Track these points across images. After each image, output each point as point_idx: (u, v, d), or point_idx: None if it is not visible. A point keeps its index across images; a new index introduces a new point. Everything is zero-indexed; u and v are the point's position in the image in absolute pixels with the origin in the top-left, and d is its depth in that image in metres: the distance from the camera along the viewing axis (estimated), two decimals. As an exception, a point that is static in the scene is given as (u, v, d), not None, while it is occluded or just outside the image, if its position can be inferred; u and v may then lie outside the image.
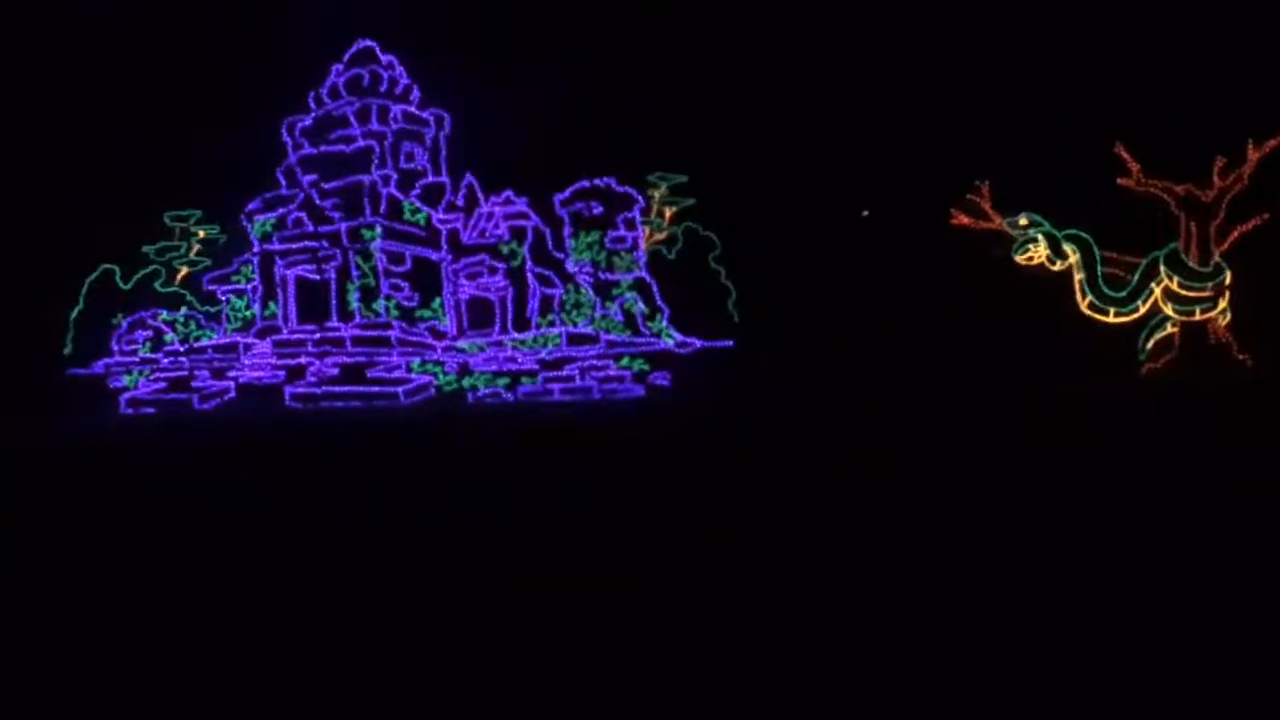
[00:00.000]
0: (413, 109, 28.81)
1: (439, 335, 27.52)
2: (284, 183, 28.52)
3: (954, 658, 4.46)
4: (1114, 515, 7.57)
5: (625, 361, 26.40)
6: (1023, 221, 26.12)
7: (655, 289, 27.33)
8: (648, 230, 28.07)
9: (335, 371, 26.36)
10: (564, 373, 26.28)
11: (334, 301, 27.35)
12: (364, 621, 5.36)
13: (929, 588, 5.64)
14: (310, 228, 27.50)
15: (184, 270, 29.60)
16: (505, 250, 27.62)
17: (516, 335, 27.25)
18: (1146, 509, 7.81)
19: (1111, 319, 26.18)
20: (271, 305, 27.97)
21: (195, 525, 8.71)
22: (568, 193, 27.69)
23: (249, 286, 28.52)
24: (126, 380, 27.66)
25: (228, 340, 27.87)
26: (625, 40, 29.05)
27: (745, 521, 7.90)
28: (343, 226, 27.16)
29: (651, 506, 8.85)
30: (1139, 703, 3.93)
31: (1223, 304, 25.74)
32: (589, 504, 9.13)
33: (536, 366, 26.38)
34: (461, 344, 27.37)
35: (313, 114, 28.70)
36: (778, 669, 4.40)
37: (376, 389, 25.86)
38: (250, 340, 27.62)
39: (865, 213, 28.33)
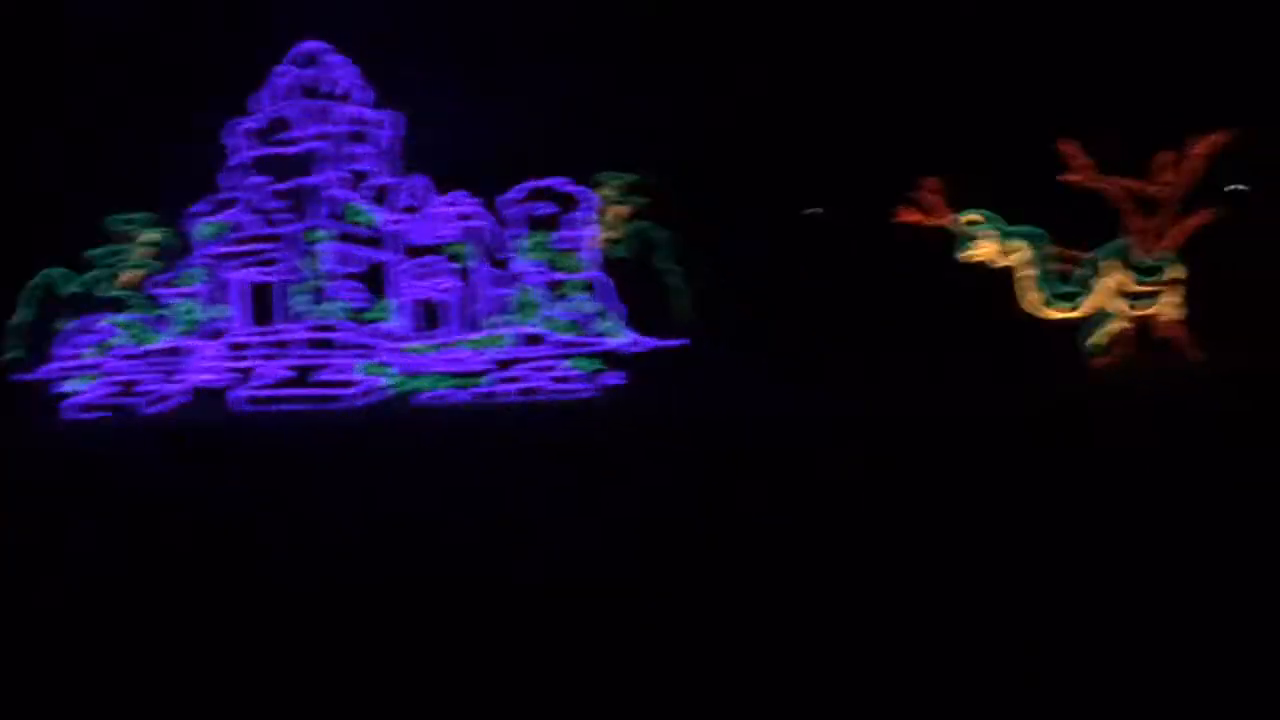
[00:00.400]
0: (361, 110, 28.61)
1: (389, 336, 27.32)
2: (231, 185, 28.29)
3: (927, 660, 4.37)
4: (1073, 511, 7.51)
5: (576, 361, 26.32)
6: (970, 218, 26.19)
7: (606, 288, 27.24)
8: (598, 230, 27.95)
9: (284, 374, 26.17)
10: (514, 373, 26.18)
11: (282, 304, 27.13)
12: (326, 625, 5.25)
13: (890, 585, 5.56)
14: (258, 230, 27.28)
15: (130, 274, 29.26)
16: (455, 251, 27.49)
17: (467, 336, 27.11)
18: (1104, 504, 7.77)
19: (1059, 314, 26.28)
20: (218, 308, 27.72)
21: (148, 529, 8.58)
22: (518, 193, 27.56)
23: (196, 290, 28.23)
24: (72, 385, 27.34)
25: (175, 344, 27.59)
26: (575, 40, 28.97)
27: (703, 520, 7.83)
28: (291, 229, 26.96)
29: (608, 507, 8.76)
30: (1114, 706, 3.86)
31: (1171, 298, 25.88)
32: (546, 504, 9.06)
33: (487, 367, 26.26)
34: (411, 345, 27.19)
35: (259, 115, 28.45)
36: (749, 672, 4.30)
37: (326, 391, 25.71)
38: (197, 343, 27.37)
39: (816, 210, 28.35)
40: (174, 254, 29.01)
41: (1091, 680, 4.05)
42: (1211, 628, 4.60)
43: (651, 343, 26.57)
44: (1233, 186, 26.07)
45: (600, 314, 26.96)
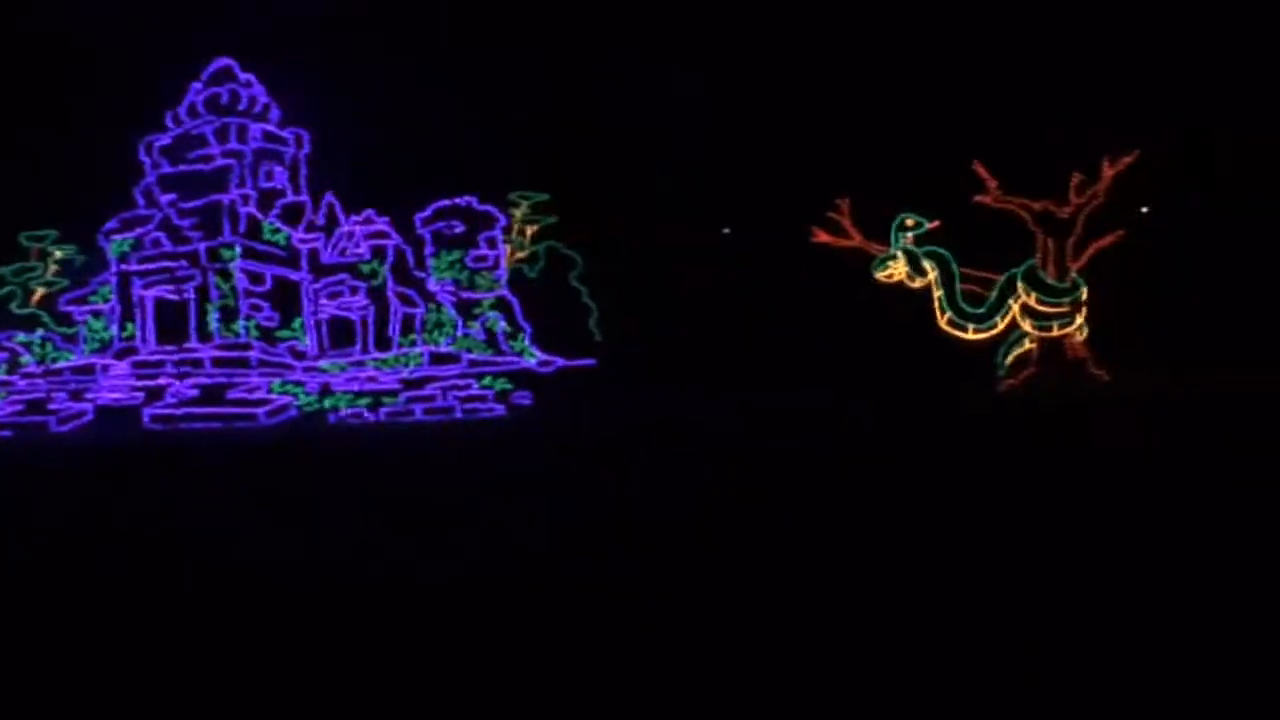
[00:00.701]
0: (272, 128, 28.54)
1: (300, 355, 27.28)
2: (142, 202, 28.22)
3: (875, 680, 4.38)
4: (981, 535, 7.56)
5: (487, 381, 26.27)
6: (909, 221, 26.15)
7: (517, 308, 27.24)
8: (509, 249, 27.95)
9: (195, 392, 26.05)
10: (426, 392, 26.10)
11: (193, 322, 27.05)
12: (237, 645, 5.23)
13: (794, 603, 5.58)
14: (169, 247, 27.18)
15: (40, 291, 29.14)
16: (366, 270, 27.43)
17: (378, 355, 27.06)
18: (1006, 525, 7.84)
19: (970, 335, 26.31)
20: (130, 326, 27.63)
21: (57, 549, 8.57)
22: (429, 211, 27.55)
23: (107, 307, 28.14)
24: (-18, 403, 27.20)
25: (85, 361, 27.50)
26: (485, 59, 28.91)
27: (613, 538, 7.88)
28: (201, 246, 26.87)
29: (517, 526, 8.79)
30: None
31: (1080, 319, 25.94)
32: (455, 522, 9.09)
33: (398, 386, 26.18)
34: (322, 364, 27.15)
35: (171, 132, 28.35)
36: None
37: (237, 410, 25.59)
38: (108, 361, 27.26)
39: (726, 230, 28.35)
40: (85, 271, 28.90)
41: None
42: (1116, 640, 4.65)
43: (561, 362, 26.57)
44: (1141, 209, 26.10)
45: (510, 333, 26.95)
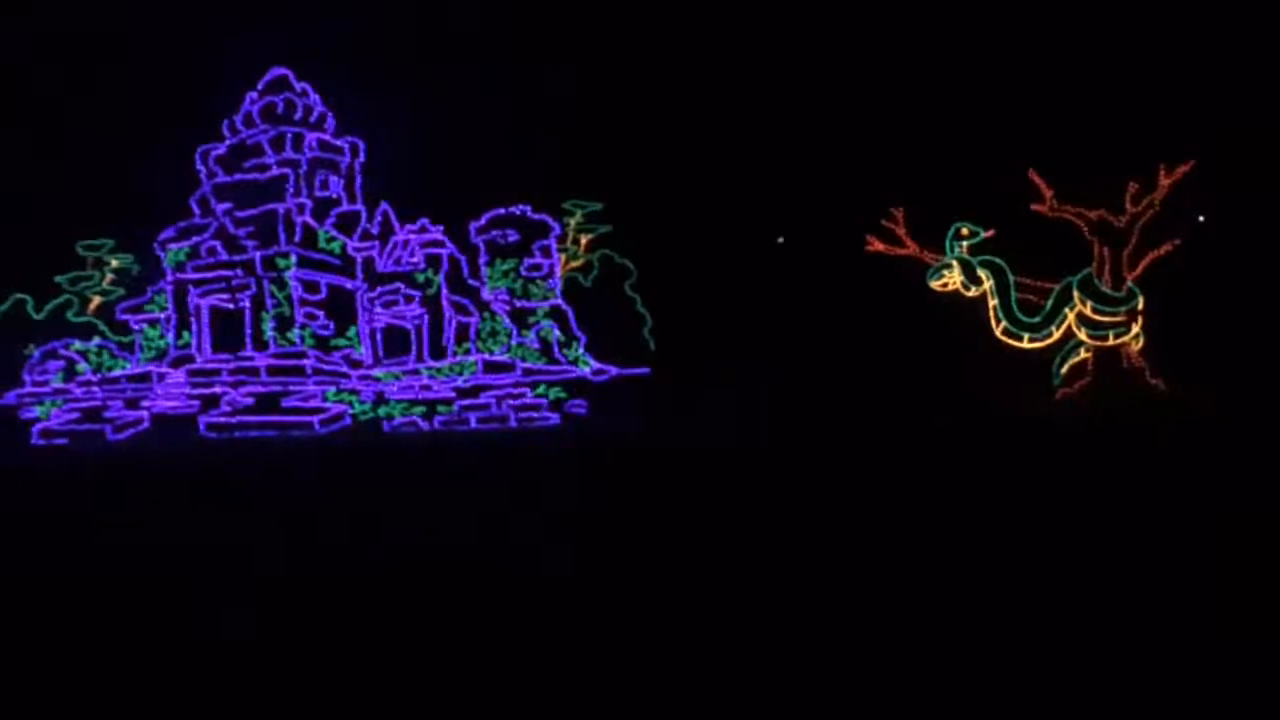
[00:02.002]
0: (327, 137, 28.66)
1: (355, 364, 27.35)
2: (198, 211, 28.37)
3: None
4: (1037, 542, 7.54)
5: (541, 389, 26.31)
6: (964, 231, 26.14)
7: (571, 316, 27.27)
8: (563, 258, 28.00)
9: (250, 401, 26.15)
10: (480, 400, 26.17)
11: (249, 330, 27.16)
12: (291, 655, 5.26)
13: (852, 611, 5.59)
14: (224, 256, 27.31)
15: (97, 300, 29.33)
16: (420, 278, 27.49)
17: (432, 363, 27.11)
18: (1070, 532, 7.82)
19: (1026, 344, 26.27)
20: (185, 334, 27.77)
21: (114, 557, 8.60)
22: (483, 220, 27.63)
23: (162, 316, 28.29)
24: (39, 411, 27.35)
25: (141, 370, 27.62)
26: (543, 71, 29.00)
27: (667, 547, 7.87)
28: (257, 255, 27.00)
29: (573, 534, 8.82)
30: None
31: (1136, 328, 25.87)
32: (511, 531, 9.10)
33: (452, 395, 26.24)
34: (377, 372, 27.21)
35: (227, 142, 28.52)
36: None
37: (292, 418, 25.67)
38: (164, 370, 27.38)
39: (780, 239, 28.34)
40: (141, 280, 29.07)
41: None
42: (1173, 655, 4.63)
43: (615, 371, 26.58)
44: (1198, 218, 26.02)
45: (565, 342, 26.99)
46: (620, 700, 4.29)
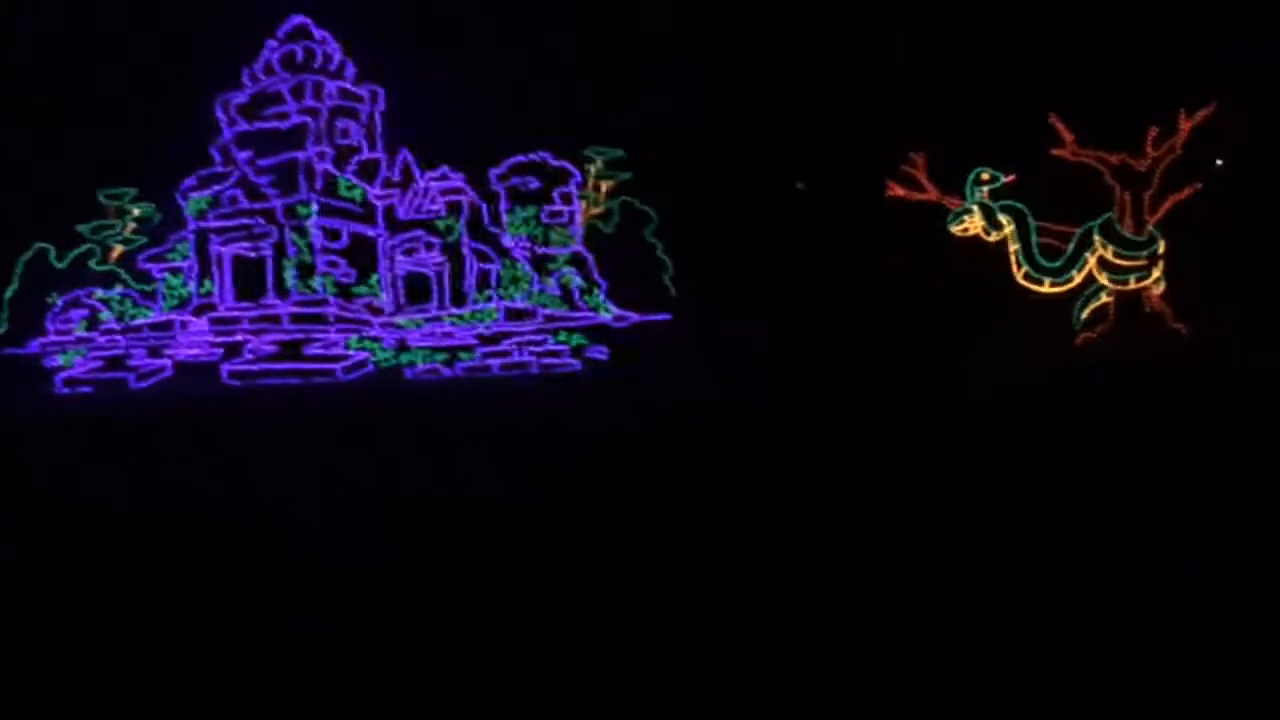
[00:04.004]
0: (348, 85, 28.66)
1: (376, 311, 27.43)
2: (219, 160, 28.39)
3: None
4: (1061, 486, 7.51)
5: (563, 336, 26.40)
6: (985, 176, 26.07)
7: (592, 263, 27.34)
8: (584, 205, 28.02)
9: (273, 349, 26.25)
10: (501, 347, 26.26)
11: (270, 278, 27.23)
12: (317, 600, 5.29)
13: (879, 567, 5.58)
14: (245, 204, 27.36)
15: (119, 248, 29.38)
16: (441, 226, 27.55)
17: (453, 310, 27.19)
18: (1093, 478, 7.77)
19: (1047, 289, 26.24)
20: (207, 283, 27.84)
21: (139, 505, 8.64)
22: (504, 167, 27.68)
23: (184, 264, 28.39)
24: (62, 359, 27.48)
25: (164, 318, 27.73)
26: (561, 14, 28.90)
27: (685, 498, 7.86)
28: (278, 203, 27.05)
29: (591, 483, 8.80)
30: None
31: (1157, 273, 25.83)
32: (531, 478, 9.12)
33: (474, 341, 26.34)
34: (399, 320, 27.29)
35: (247, 90, 28.52)
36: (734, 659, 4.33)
37: (314, 365, 25.76)
38: (186, 318, 27.48)
39: (800, 185, 28.30)
40: (163, 229, 29.14)
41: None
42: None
43: (636, 318, 26.65)
44: (1217, 162, 25.92)
45: (586, 289, 27.05)
46: (635, 653, 4.22)
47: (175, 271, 28.50)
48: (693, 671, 4.03)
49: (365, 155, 28.45)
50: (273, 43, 28.51)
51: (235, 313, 27.12)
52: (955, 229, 26.22)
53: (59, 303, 28.23)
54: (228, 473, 10.84)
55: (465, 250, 27.48)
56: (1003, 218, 26.08)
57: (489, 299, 27.26)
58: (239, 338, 26.37)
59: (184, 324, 27.29)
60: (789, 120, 27.50)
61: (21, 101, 29.14)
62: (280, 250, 27.05)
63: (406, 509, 7.95)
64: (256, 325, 26.36)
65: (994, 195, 26.11)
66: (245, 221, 27.25)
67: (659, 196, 27.52)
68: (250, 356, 26.18)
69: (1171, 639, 4.13)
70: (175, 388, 26.13)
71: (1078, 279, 26.10)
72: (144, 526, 7.63)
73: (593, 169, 28.11)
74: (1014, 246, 26.16)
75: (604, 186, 28.18)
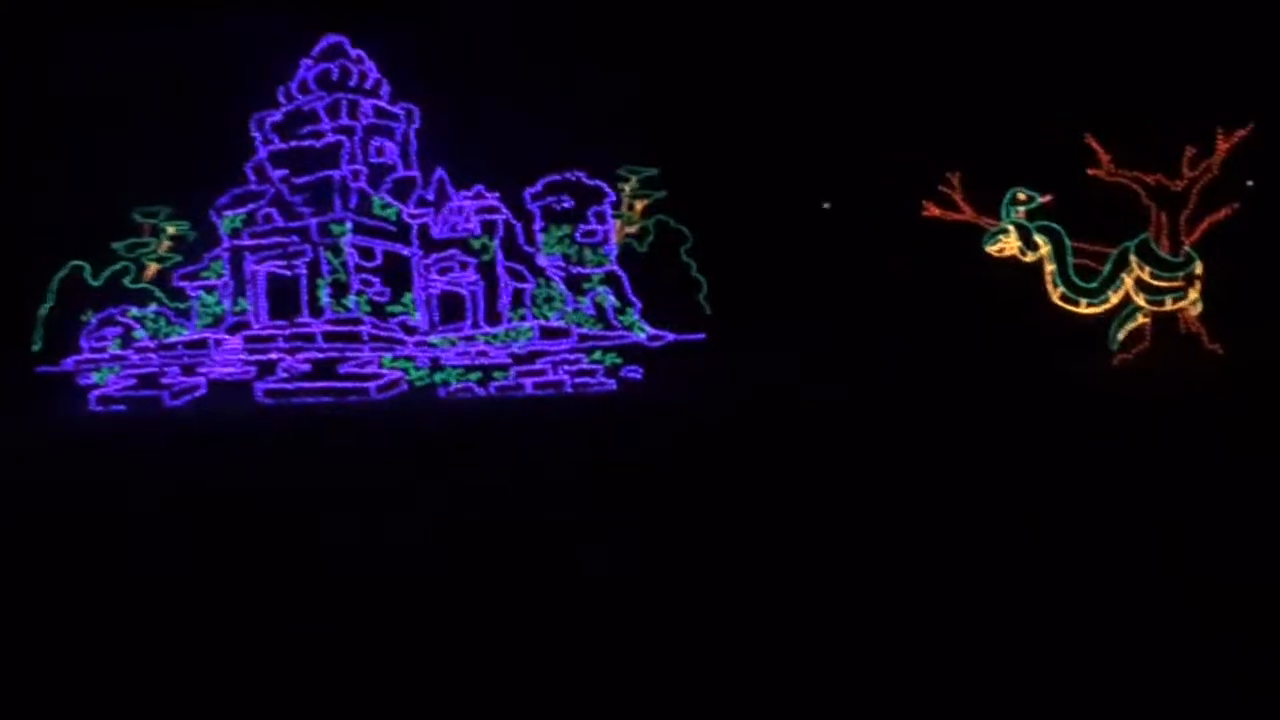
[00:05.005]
0: (382, 103, 28.73)
1: (410, 330, 27.43)
2: (253, 178, 28.43)
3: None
4: (1094, 507, 7.49)
5: (597, 355, 26.40)
6: (1021, 196, 26.06)
7: (626, 282, 27.34)
8: (618, 223, 28.06)
9: (306, 367, 26.26)
10: (535, 366, 26.27)
11: (304, 297, 27.26)
12: (346, 617, 5.28)
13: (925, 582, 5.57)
14: (280, 223, 27.43)
15: (153, 266, 29.44)
16: (476, 245, 27.57)
17: (488, 329, 27.19)
18: (1126, 501, 7.74)
19: (1083, 310, 26.19)
20: (242, 301, 27.89)
21: (172, 522, 8.63)
22: (538, 186, 27.74)
23: (219, 282, 28.44)
24: (96, 377, 27.53)
25: (198, 336, 27.76)
26: (594, 32, 28.93)
27: (721, 514, 7.83)
28: (313, 222, 27.10)
29: (626, 501, 8.78)
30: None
31: (1194, 294, 25.77)
32: (566, 498, 9.09)
33: (508, 360, 26.34)
34: (433, 339, 27.30)
35: (282, 109, 28.60)
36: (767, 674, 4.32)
37: (348, 384, 25.78)
38: (220, 336, 27.51)
39: (826, 205, 28.31)
40: (198, 247, 29.21)
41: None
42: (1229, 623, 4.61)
43: (671, 337, 26.64)
44: (1248, 182, 25.87)
45: (620, 308, 27.05)
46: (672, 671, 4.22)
47: (210, 289, 28.53)
48: (722, 688, 4.06)
49: (400, 174, 28.46)
50: (308, 61, 28.60)
51: (270, 331, 27.11)
52: (991, 249, 26.19)
53: (93, 320, 28.27)
54: (259, 490, 10.83)
55: (500, 269, 27.48)
56: (1039, 238, 26.04)
57: (523, 318, 27.24)
58: (273, 356, 26.38)
59: (218, 342, 27.30)
60: (825, 140, 27.50)
61: (58, 120, 29.24)
62: (315, 269, 27.07)
63: (437, 527, 7.95)
64: (291, 344, 26.34)
65: (1030, 215, 26.08)
66: (280, 240, 27.28)
67: (693, 215, 27.52)
68: (284, 375, 26.20)
69: (1198, 657, 4.16)
70: (209, 406, 26.18)
71: (1114, 300, 26.05)
72: (174, 544, 7.63)
73: (627, 188, 28.15)
74: (1050, 267, 26.11)
75: (639, 205, 28.22)
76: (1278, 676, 3.93)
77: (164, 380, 27.01)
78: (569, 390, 25.72)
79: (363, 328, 26.60)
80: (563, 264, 27.31)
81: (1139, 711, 3.71)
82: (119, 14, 28.70)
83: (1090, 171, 25.57)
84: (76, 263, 28.94)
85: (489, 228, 27.56)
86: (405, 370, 26.40)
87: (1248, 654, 4.18)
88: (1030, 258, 26.13)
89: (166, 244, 29.58)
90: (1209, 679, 3.94)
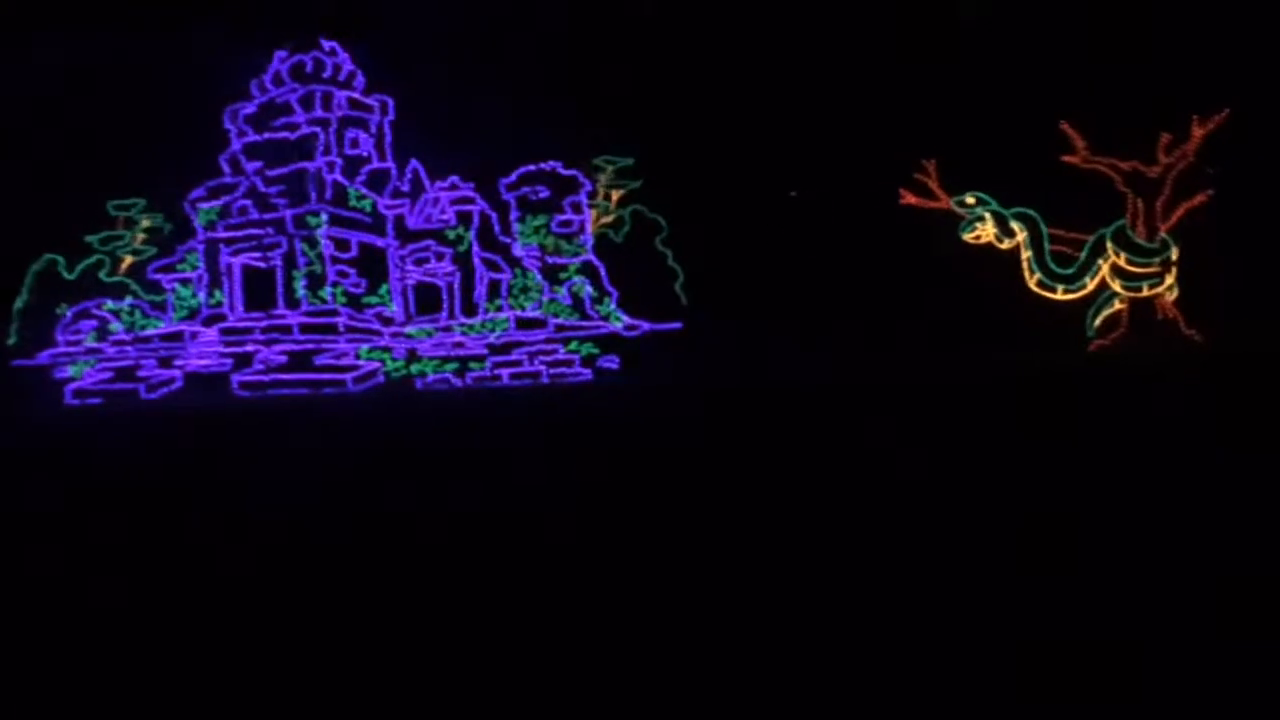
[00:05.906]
0: (357, 95, 28.62)
1: (386, 321, 27.36)
2: (228, 170, 28.34)
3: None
4: (1072, 495, 7.47)
5: (574, 345, 26.35)
6: (969, 200, 26.13)
7: (603, 272, 27.29)
8: (595, 213, 28.00)
9: (283, 359, 26.19)
10: (512, 357, 26.22)
11: (280, 289, 27.17)
12: (320, 612, 5.24)
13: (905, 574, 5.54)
14: (255, 215, 27.34)
15: (128, 259, 29.33)
16: (452, 235, 27.51)
17: (464, 320, 27.14)
18: (1104, 487, 7.72)
19: (1060, 296, 26.19)
20: (217, 293, 27.81)
21: (149, 516, 8.59)
22: (514, 177, 27.67)
23: (194, 275, 28.34)
24: (72, 370, 27.43)
25: (173, 329, 27.68)
26: (568, 23, 28.81)
27: (700, 503, 7.81)
28: (288, 213, 27.00)
29: (606, 490, 8.76)
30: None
31: (1170, 280, 25.79)
32: (545, 488, 9.07)
33: (484, 351, 26.29)
34: (409, 330, 27.23)
35: (256, 101, 28.48)
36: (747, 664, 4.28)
37: (325, 376, 25.73)
38: (196, 329, 27.43)
39: (793, 193, 28.27)
40: (172, 240, 29.10)
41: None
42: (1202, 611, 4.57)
43: (647, 326, 26.60)
44: (1214, 169, 25.84)
45: (597, 298, 27.00)
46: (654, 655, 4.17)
47: (185, 282, 28.44)
48: (709, 681, 4.01)
49: (375, 165, 28.38)
50: (282, 53, 28.47)
51: (246, 323, 27.03)
52: (967, 236, 26.20)
53: (68, 314, 28.18)
54: (236, 483, 10.80)
55: (475, 260, 27.41)
56: (1015, 225, 26.06)
57: (500, 309, 27.19)
58: (250, 348, 26.30)
59: (194, 335, 27.22)
60: (800, 128, 27.41)
61: (30, 113, 29.06)
62: (290, 261, 26.98)
63: (417, 520, 7.91)
64: (267, 335, 26.27)
65: (1005, 203, 26.10)
66: (255, 232, 27.20)
67: (669, 205, 27.45)
68: (260, 367, 26.12)
69: (1177, 648, 4.12)
70: (185, 398, 26.13)
71: (1091, 286, 26.06)
72: (152, 537, 7.59)
73: (603, 178, 28.08)
74: (1026, 254, 26.13)
75: (614, 195, 28.14)
76: (1260, 667, 3.90)
77: (140, 373, 26.94)
78: (545, 381, 25.70)
79: (339, 319, 26.54)
80: (539, 254, 27.24)
81: (1138, 710, 3.66)
82: (92, 6, 28.52)
83: (1065, 158, 25.58)
84: (51, 256, 28.86)
85: (464, 218, 27.50)
86: (382, 361, 26.33)
87: (1231, 645, 4.14)
88: (1007, 245, 26.15)
89: (141, 237, 29.45)
90: (1211, 679, 3.89)
